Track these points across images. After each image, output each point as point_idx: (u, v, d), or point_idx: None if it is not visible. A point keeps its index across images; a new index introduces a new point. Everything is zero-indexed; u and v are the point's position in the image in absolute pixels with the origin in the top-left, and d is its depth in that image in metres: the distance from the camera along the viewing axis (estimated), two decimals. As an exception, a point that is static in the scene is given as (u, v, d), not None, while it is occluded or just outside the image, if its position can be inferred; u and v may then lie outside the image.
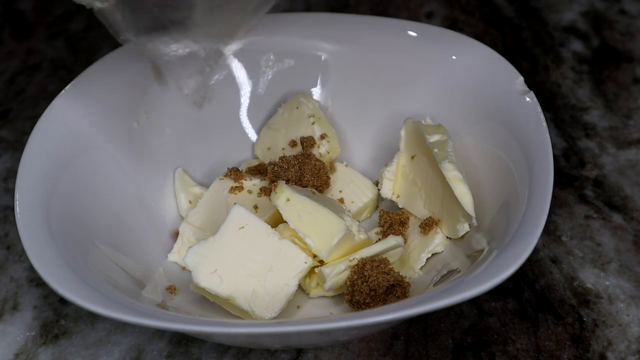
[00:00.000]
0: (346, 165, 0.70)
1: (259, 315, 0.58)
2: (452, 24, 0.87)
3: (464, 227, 0.61)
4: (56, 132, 0.63)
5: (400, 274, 0.60)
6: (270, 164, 0.66)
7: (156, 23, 0.59)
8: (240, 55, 0.71)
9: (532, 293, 0.64)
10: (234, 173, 0.67)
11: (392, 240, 0.62)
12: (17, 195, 0.57)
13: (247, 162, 0.71)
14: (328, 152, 0.68)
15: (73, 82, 0.66)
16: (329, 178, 0.66)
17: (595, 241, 0.67)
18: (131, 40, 0.59)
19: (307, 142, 0.68)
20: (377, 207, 0.69)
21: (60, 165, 0.61)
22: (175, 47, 0.60)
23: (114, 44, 0.64)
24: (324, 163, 0.66)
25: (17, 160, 0.61)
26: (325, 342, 0.60)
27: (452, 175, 0.60)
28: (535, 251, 0.66)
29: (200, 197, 0.68)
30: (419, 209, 0.65)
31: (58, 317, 0.63)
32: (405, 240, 0.64)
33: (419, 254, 0.63)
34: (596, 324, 0.62)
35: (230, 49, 0.61)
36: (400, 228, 0.65)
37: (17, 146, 0.76)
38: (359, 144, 0.71)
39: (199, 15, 0.59)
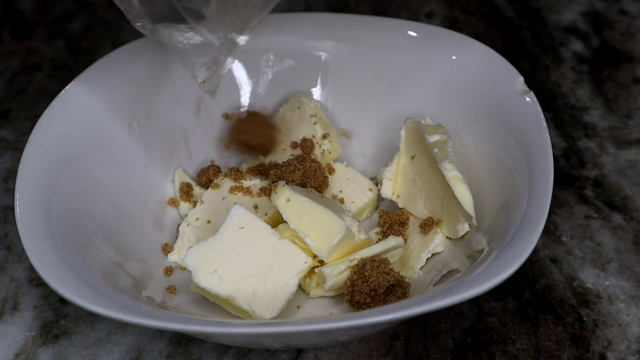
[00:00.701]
0: (346, 165, 0.70)
1: (259, 315, 0.58)
2: (452, 24, 0.87)
3: (464, 227, 0.61)
4: (56, 132, 0.63)
5: (401, 274, 0.60)
6: (271, 164, 0.66)
7: (172, 10, 0.59)
8: (240, 55, 0.71)
9: (532, 293, 0.64)
10: (234, 173, 0.67)
11: (392, 240, 0.62)
12: (17, 195, 0.57)
13: (247, 162, 0.71)
14: (330, 152, 0.68)
15: (73, 82, 0.65)
16: (326, 178, 0.66)
17: (595, 241, 0.67)
18: (147, 27, 0.60)
19: (306, 144, 0.68)
20: (377, 207, 0.69)
21: (60, 165, 0.61)
22: (190, 36, 0.61)
23: (114, 44, 0.64)
24: (320, 164, 0.66)
25: (17, 160, 0.61)
26: (325, 342, 0.60)
27: (452, 175, 0.60)
28: (535, 251, 0.66)
29: (200, 197, 0.68)
30: (419, 209, 0.65)
31: (58, 317, 0.63)
32: (405, 241, 0.64)
33: (419, 254, 0.63)
34: (596, 324, 0.62)
35: (243, 39, 0.62)
36: (400, 228, 0.65)
37: (17, 146, 0.76)
38: (359, 144, 0.71)
39: (213, 4, 0.59)
